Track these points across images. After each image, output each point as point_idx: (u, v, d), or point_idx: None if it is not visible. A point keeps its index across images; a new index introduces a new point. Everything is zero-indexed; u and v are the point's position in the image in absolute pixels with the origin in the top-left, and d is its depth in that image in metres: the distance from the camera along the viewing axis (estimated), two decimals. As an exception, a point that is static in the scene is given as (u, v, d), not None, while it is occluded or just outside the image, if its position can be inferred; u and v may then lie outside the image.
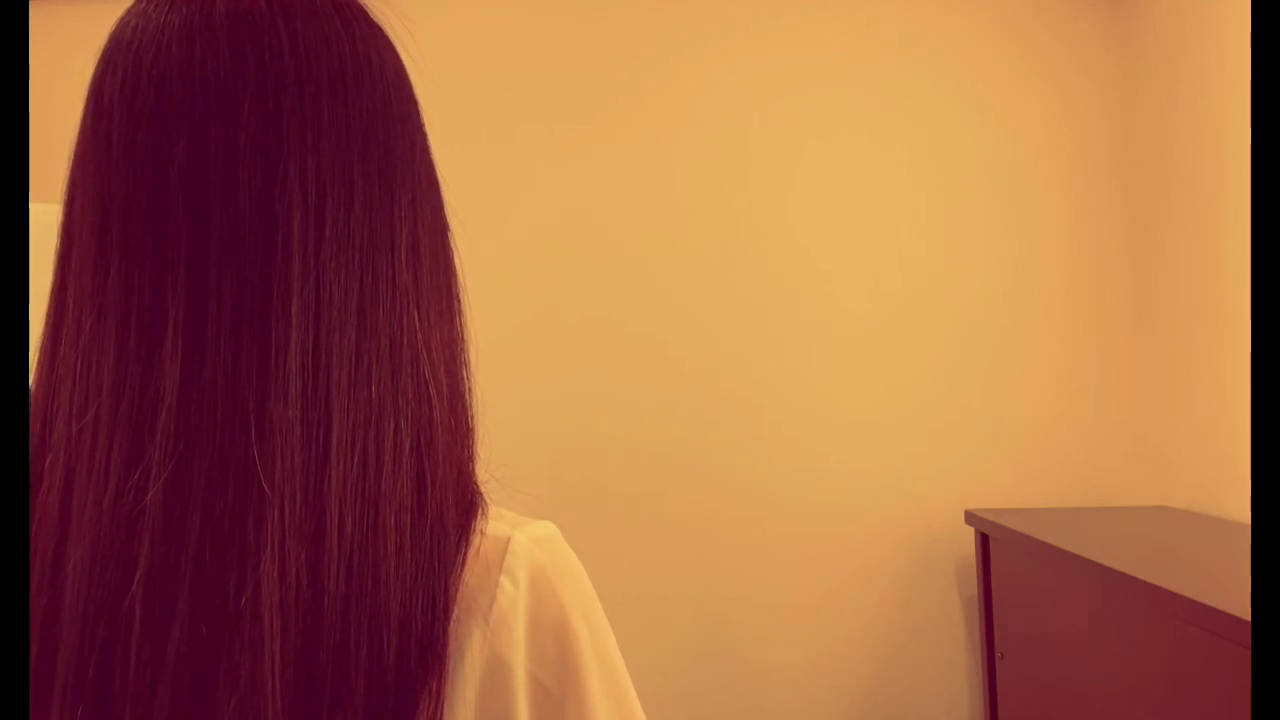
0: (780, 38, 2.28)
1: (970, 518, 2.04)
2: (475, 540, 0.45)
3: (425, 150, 0.50)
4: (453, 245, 0.52)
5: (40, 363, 0.45)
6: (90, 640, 0.39)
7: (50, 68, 2.02)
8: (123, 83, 0.44)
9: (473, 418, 0.50)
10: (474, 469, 0.49)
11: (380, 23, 0.50)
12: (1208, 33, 1.91)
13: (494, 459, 0.52)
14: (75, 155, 0.46)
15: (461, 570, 0.44)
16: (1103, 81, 2.23)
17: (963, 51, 2.26)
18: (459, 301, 0.51)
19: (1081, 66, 2.24)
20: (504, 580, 0.44)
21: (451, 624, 0.43)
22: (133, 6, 0.47)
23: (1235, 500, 1.84)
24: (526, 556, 0.45)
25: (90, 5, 2.25)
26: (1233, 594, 1.21)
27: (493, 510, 0.48)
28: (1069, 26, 2.25)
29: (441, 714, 0.41)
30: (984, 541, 1.99)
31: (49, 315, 0.45)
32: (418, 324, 0.46)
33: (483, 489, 0.49)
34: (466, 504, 0.47)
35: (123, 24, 0.46)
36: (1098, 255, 2.21)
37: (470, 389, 0.50)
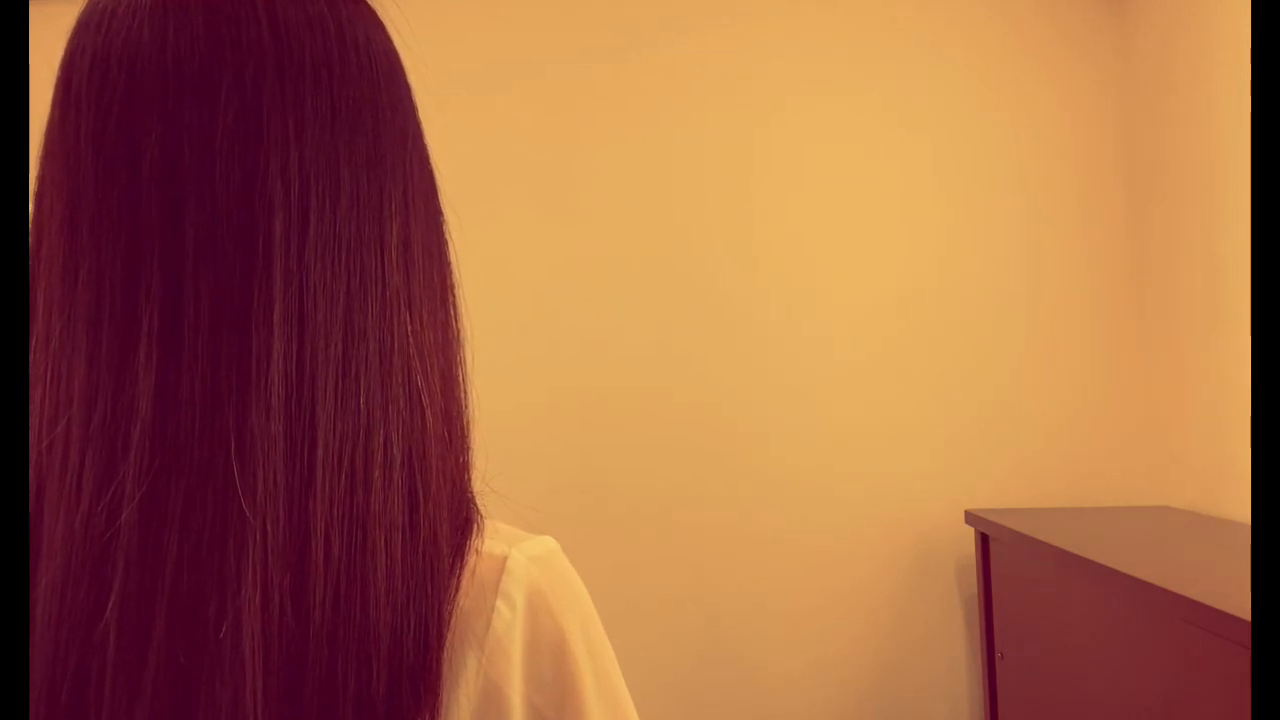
0: (779, 36, 2.27)
1: (970, 518, 2.04)
2: (470, 560, 0.43)
3: (418, 138, 0.47)
4: (447, 239, 0.48)
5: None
6: (62, 669, 0.36)
7: (50, 68, 2.02)
8: (91, 68, 0.41)
9: (468, 425, 0.47)
10: (469, 481, 0.46)
11: (368, 0, 0.46)
12: (1205, 33, 1.91)
13: (490, 468, 0.49)
14: (44, 147, 0.42)
15: (456, 593, 0.42)
16: (1104, 82, 2.23)
17: (965, 48, 2.25)
18: (454, 300, 0.48)
19: (1084, 67, 2.23)
20: (500, 604, 0.42)
21: (445, 651, 0.40)
22: None
23: (1235, 500, 1.84)
24: (524, 577, 0.43)
25: (90, 5, 2.25)
26: (1233, 594, 1.20)
27: (489, 525, 0.45)
28: (1072, 26, 2.24)
29: None
30: (984, 542, 1.98)
31: None
32: (409, 327, 0.43)
33: (478, 501, 0.46)
34: (461, 520, 0.44)
35: (91, 4, 0.43)
36: (1099, 256, 2.21)
37: (466, 394, 0.47)
